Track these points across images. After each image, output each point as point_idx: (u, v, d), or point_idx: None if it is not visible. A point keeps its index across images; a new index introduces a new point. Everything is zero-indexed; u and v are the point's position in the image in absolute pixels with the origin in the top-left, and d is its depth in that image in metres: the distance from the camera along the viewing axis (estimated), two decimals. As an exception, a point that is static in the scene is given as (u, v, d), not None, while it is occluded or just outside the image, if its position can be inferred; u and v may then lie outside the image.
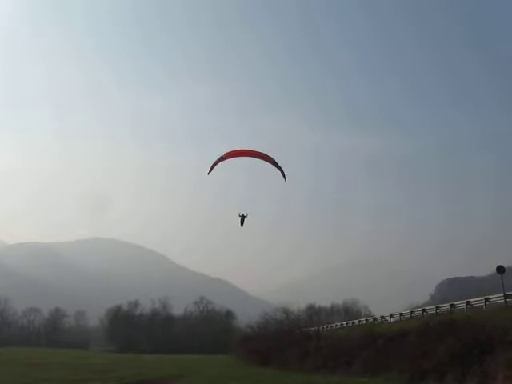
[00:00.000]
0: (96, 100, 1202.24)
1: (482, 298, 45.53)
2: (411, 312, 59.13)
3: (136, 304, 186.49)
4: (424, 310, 55.67)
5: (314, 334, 63.69)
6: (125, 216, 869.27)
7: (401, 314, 61.07)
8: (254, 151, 33.57)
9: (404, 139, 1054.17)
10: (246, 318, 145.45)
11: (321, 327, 78.06)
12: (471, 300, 47.49)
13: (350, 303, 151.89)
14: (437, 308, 52.93)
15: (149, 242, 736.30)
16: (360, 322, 76.78)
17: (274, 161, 33.87)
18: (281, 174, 33.86)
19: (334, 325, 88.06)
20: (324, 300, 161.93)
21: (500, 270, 44.75)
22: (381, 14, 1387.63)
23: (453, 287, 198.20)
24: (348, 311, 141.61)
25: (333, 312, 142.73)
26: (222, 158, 33.04)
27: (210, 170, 33.51)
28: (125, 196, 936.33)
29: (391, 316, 63.14)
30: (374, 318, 70.45)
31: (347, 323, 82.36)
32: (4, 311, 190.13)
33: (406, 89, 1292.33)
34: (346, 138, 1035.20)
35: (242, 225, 32.78)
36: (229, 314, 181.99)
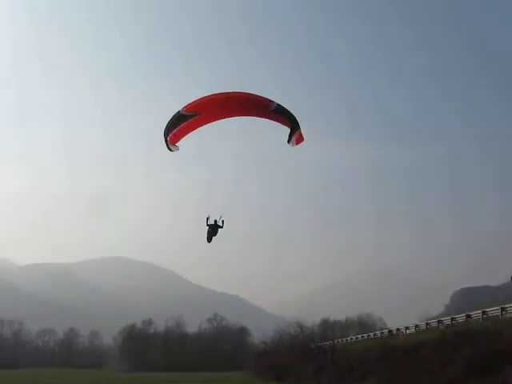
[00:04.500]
0: (107, 124, 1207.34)
1: (498, 308, 44.94)
2: (427, 323, 58.51)
3: (150, 322, 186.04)
4: (439, 321, 55.08)
5: (329, 348, 63.19)
6: (136, 234, 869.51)
7: (416, 326, 60.42)
8: (240, 95, 21.64)
9: (409, 148, 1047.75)
10: (259, 333, 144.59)
11: (335, 341, 77.42)
12: (487, 310, 46.90)
13: (365, 316, 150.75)
14: (452, 319, 52.36)
15: (160, 260, 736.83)
16: (375, 335, 76.11)
17: (280, 110, 21.62)
18: (289, 136, 21.87)
19: (348, 338, 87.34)
20: (338, 313, 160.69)
21: (514, 278, 44.33)
22: (384, 23, 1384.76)
23: (467, 297, 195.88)
24: (363, 324, 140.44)
25: (347, 325, 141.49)
26: (180, 118, 21.48)
27: (168, 139, 21.85)
28: (135, 215, 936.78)
29: (407, 328, 62.52)
30: (390, 331, 69.80)
31: (362, 336, 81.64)
32: (18, 332, 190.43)
33: (412, 98, 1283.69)
34: (349, 148, 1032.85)
35: (210, 239, 23.23)
36: (243, 330, 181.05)
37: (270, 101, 21.65)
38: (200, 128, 22.15)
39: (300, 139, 21.90)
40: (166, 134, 21.93)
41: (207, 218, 22.98)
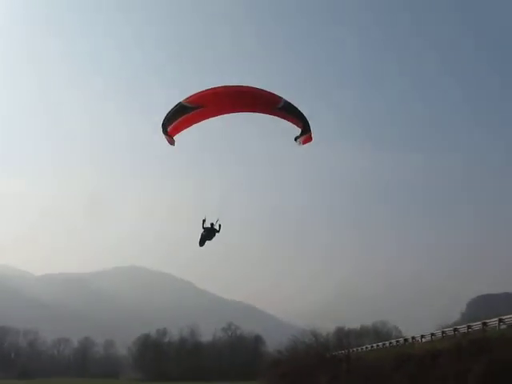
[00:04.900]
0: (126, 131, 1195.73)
1: (515, 315, 44.39)
2: (443, 332, 57.89)
3: (164, 332, 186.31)
4: (456, 330, 54.45)
5: (344, 357, 62.81)
6: (150, 244, 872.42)
7: (432, 334, 59.78)
8: (247, 89, 20.39)
9: (429, 156, 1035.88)
10: (274, 342, 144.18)
11: (350, 350, 76.93)
12: (504, 317, 46.18)
13: (380, 324, 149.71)
14: (468, 327, 51.74)
15: (174, 269, 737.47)
16: (391, 343, 75.41)
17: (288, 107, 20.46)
18: (298, 132, 20.85)
19: (364, 347, 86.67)
20: (352, 321, 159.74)
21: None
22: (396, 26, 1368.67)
23: (484, 304, 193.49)
24: (378, 332, 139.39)
25: (362, 334, 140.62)
26: (182, 109, 20.14)
27: (166, 131, 20.45)
28: (148, 225, 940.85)
29: (422, 336, 61.89)
30: (405, 339, 69.19)
31: (377, 345, 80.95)
32: (34, 342, 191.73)
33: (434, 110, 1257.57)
34: (367, 157, 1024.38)
35: (202, 243, 21.88)
36: (257, 339, 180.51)
37: (279, 97, 20.52)
38: (202, 122, 20.74)
39: (308, 139, 21.03)
40: (164, 126, 20.51)
41: (203, 221, 21.45)
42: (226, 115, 20.80)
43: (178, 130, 20.67)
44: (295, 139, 20.89)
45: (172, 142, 20.89)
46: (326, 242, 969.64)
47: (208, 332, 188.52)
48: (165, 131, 20.59)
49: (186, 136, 20.79)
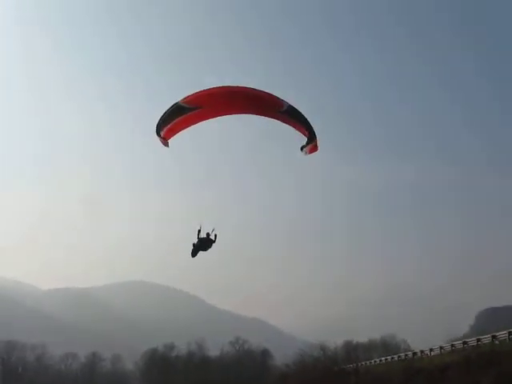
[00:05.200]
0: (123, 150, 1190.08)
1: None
2: (452, 345, 57.64)
3: (171, 346, 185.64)
4: (465, 343, 54.23)
5: (353, 370, 62.59)
6: (157, 258, 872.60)
7: (441, 348, 59.54)
8: (248, 90, 19.17)
9: (448, 165, 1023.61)
10: (281, 355, 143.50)
11: (359, 364, 76.54)
12: (513, 330, 46.08)
13: (388, 338, 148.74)
14: (478, 340, 51.52)
15: (182, 284, 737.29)
16: (399, 357, 74.98)
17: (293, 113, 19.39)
18: (304, 141, 19.94)
19: (372, 361, 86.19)
20: (361, 335, 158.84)
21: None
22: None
23: (494, 317, 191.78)
24: (386, 346, 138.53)
25: (371, 348, 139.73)
26: (178, 110, 19.09)
27: (161, 132, 19.64)
28: (155, 239, 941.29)
29: (431, 350, 61.60)
30: (414, 353, 68.85)
31: (386, 359, 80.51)
32: (41, 356, 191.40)
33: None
34: (384, 168, 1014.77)
35: (195, 253, 20.99)
36: (265, 353, 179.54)
37: (281, 100, 19.47)
38: (199, 124, 19.81)
39: (314, 149, 20.12)
40: (159, 127, 19.60)
41: (199, 231, 20.62)
42: (224, 116, 19.96)
43: (174, 131, 19.85)
44: (301, 148, 20.13)
45: (166, 144, 20.08)
46: (334, 257, 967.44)
47: (215, 346, 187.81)
48: (158, 133, 19.74)
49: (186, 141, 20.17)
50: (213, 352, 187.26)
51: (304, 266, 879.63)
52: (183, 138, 20.31)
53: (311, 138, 19.70)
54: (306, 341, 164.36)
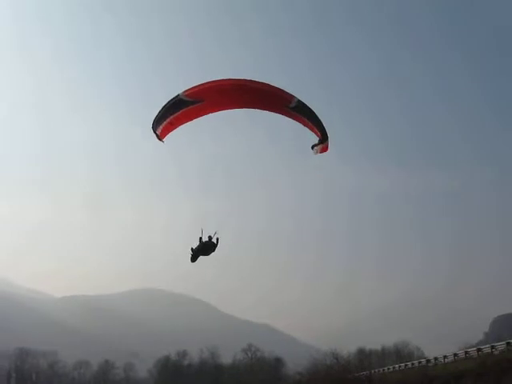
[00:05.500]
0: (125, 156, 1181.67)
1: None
2: (466, 352, 57.23)
3: (184, 354, 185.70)
4: (479, 350, 53.83)
5: (366, 378, 62.29)
6: (169, 266, 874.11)
7: (455, 355, 59.12)
8: (254, 84, 17.91)
9: (451, 174, 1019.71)
10: (294, 363, 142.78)
11: (372, 371, 76.12)
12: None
13: (402, 345, 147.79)
14: (492, 347, 51.14)
15: (193, 291, 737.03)
16: (413, 364, 74.59)
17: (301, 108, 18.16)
18: (315, 139, 18.83)
19: (385, 368, 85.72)
20: (374, 343, 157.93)
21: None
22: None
23: (508, 324, 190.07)
24: (400, 353, 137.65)
25: (384, 355, 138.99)
26: (179, 103, 18.15)
27: (157, 129, 18.77)
28: (168, 246, 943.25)
29: (445, 357, 61.18)
30: (428, 360, 68.44)
31: (399, 366, 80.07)
32: (54, 364, 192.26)
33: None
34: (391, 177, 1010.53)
35: (195, 258, 19.68)
36: (278, 361, 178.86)
37: (291, 95, 18.24)
38: (200, 118, 18.81)
39: (325, 149, 19.11)
40: (157, 122, 18.63)
41: (200, 238, 19.53)
42: (228, 111, 18.87)
43: (173, 125, 18.82)
44: (312, 147, 19.22)
45: (161, 139, 19.17)
46: (346, 264, 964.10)
47: (228, 354, 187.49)
48: (155, 127, 18.76)
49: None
50: (225, 359, 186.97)
51: (311, 272, 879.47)
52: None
53: (324, 137, 18.71)
54: (319, 348, 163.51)
